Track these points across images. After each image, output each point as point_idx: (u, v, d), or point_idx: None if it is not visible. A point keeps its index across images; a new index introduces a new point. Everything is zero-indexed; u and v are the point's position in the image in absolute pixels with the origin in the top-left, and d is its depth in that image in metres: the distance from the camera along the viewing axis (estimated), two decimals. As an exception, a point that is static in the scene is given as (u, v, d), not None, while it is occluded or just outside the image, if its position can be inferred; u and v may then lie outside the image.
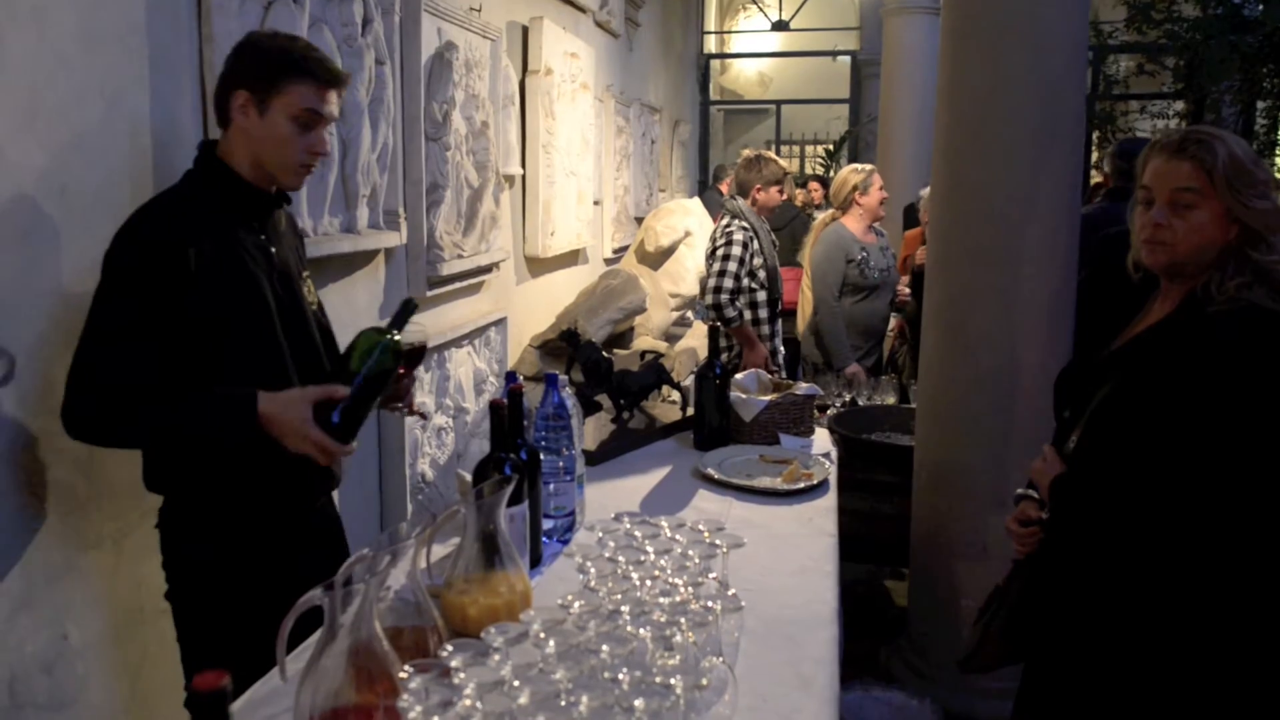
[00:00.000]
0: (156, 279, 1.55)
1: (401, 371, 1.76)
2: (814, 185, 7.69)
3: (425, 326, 1.80)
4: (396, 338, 1.63)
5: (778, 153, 7.15)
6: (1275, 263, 1.47)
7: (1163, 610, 1.49)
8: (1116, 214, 3.14)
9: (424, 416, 2.02)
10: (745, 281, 3.77)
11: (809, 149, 12.42)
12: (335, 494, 1.96)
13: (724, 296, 3.68)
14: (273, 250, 1.73)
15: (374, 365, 1.60)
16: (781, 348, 4.09)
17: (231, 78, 1.66)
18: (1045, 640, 1.65)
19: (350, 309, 2.67)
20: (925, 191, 5.40)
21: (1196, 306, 1.50)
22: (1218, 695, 1.47)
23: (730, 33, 12.52)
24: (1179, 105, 8.62)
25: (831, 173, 8.69)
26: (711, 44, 11.00)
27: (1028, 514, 1.67)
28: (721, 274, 3.69)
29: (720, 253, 3.73)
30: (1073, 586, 1.59)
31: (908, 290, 4.20)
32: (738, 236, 3.74)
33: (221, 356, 1.62)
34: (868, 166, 4.30)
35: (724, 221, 3.85)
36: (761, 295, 3.85)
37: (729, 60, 13.08)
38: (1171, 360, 1.48)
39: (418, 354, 1.80)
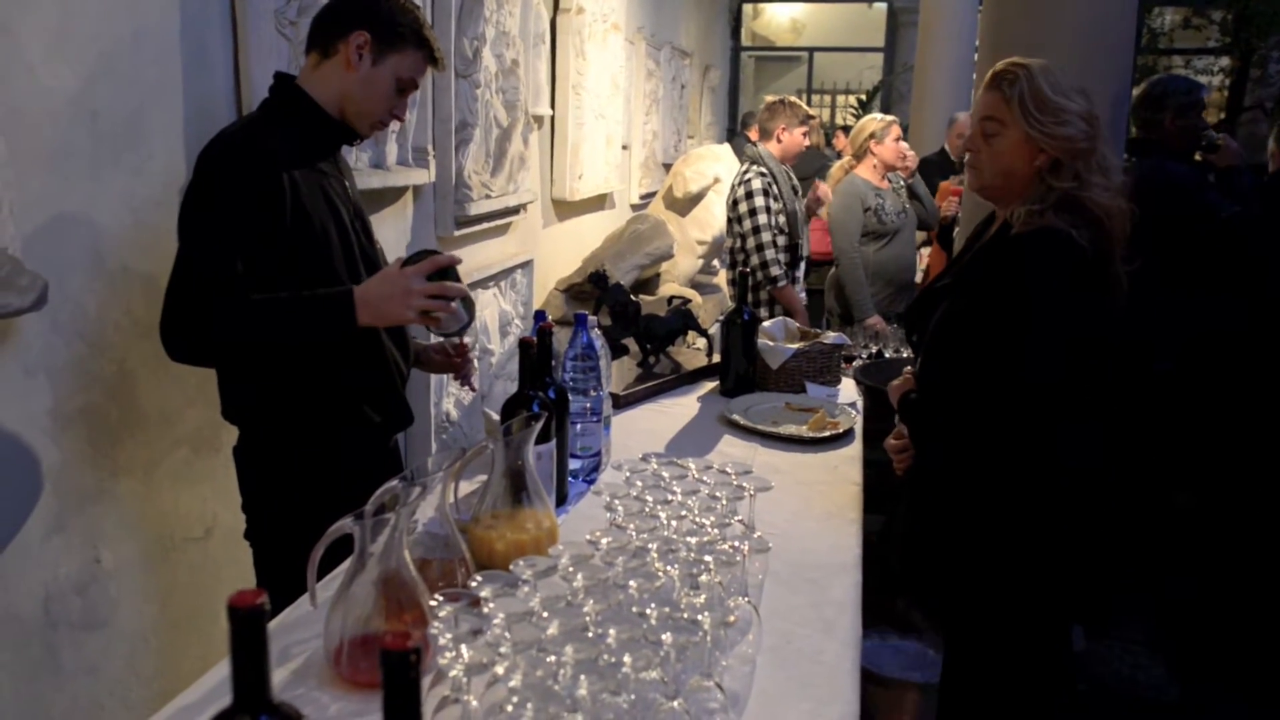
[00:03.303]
0: (256, 196, 1.54)
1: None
2: (838, 135, 7.54)
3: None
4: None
5: (808, 102, 6.99)
6: (1075, 188, 1.58)
7: (992, 503, 1.62)
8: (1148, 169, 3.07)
9: (474, 390, 2.07)
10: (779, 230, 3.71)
11: (840, 99, 12.20)
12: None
13: (770, 254, 3.64)
14: (346, 183, 1.76)
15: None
16: (804, 296, 4.05)
17: (357, 17, 1.64)
18: (934, 549, 1.75)
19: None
20: (962, 116, 5.26)
21: (1006, 230, 1.64)
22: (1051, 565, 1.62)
23: (764, -24, 12.24)
24: (1224, 61, 8.39)
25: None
26: (745, -13, 10.77)
27: (902, 433, 1.82)
28: (757, 230, 3.63)
29: (744, 209, 3.66)
30: (930, 493, 1.73)
31: (956, 202, 4.09)
32: (756, 185, 3.65)
33: (312, 283, 1.60)
34: (889, 117, 4.22)
35: (743, 168, 3.77)
36: (781, 240, 3.80)
37: (762, 5, 12.80)
38: (981, 281, 1.64)
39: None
